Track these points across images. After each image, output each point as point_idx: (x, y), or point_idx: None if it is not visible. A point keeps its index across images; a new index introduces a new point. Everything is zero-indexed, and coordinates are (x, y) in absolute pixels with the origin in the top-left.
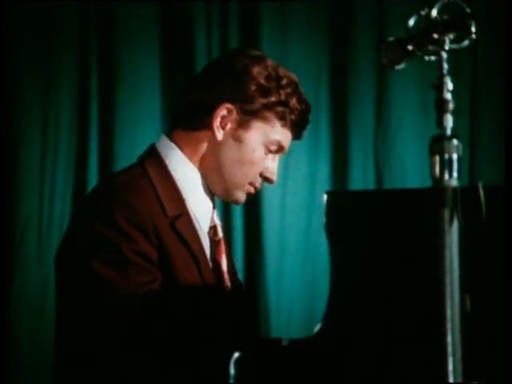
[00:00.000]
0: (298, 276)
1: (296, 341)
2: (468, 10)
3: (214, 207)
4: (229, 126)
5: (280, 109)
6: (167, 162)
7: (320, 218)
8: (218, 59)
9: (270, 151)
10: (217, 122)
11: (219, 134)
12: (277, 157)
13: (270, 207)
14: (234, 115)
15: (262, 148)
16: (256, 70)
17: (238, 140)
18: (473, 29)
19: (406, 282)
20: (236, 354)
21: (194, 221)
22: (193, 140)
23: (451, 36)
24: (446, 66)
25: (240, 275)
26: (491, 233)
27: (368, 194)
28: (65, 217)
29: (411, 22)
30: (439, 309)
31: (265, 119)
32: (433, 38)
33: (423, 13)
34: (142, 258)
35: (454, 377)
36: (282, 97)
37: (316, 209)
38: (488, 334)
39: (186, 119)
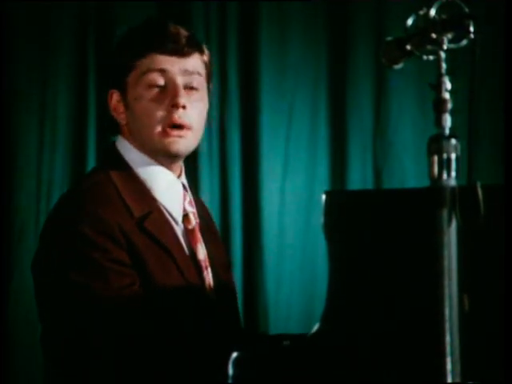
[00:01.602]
0: (296, 276)
1: (294, 339)
2: (466, 10)
3: (186, 190)
4: (120, 106)
5: (131, 51)
6: (128, 160)
7: (319, 218)
8: None
9: (153, 83)
10: (113, 112)
11: (121, 119)
12: (177, 81)
13: (268, 207)
14: (117, 94)
15: (145, 90)
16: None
17: (127, 106)
18: (471, 28)
19: (405, 282)
20: (234, 354)
21: (166, 214)
22: (129, 134)
23: (449, 35)
24: (444, 65)
25: (239, 275)
26: (489, 232)
27: (366, 194)
28: None
29: (409, 22)
30: (437, 309)
31: (129, 69)
32: (431, 38)
33: (421, 12)
34: (116, 263)
35: (453, 377)
36: (130, 44)
37: (315, 209)
38: (486, 334)
39: (112, 125)
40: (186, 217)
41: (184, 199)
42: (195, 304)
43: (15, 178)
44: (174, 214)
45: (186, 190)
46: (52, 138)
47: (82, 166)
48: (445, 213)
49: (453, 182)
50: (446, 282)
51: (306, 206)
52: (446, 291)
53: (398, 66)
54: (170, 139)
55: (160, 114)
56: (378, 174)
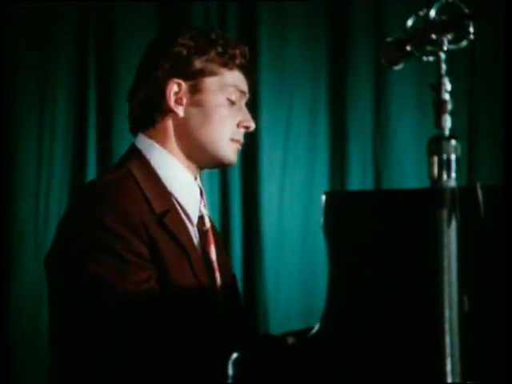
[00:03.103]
0: (296, 276)
1: (296, 339)
2: (466, 11)
3: (202, 195)
4: (184, 98)
5: (219, 57)
6: (149, 158)
7: (318, 219)
8: (144, 53)
9: (234, 102)
10: (172, 101)
11: (179, 111)
12: (243, 104)
13: (268, 208)
14: (184, 85)
15: (225, 100)
16: (181, 38)
17: (199, 105)
18: (471, 29)
19: (405, 283)
20: (234, 355)
21: (183, 214)
22: (163, 130)
23: (449, 36)
24: (444, 66)
25: (238, 275)
26: (489, 233)
27: (366, 195)
28: None
29: (409, 23)
30: (437, 309)
31: (212, 73)
32: (431, 39)
33: (421, 13)
34: (137, 256)
35: (453, 377)
36: (218, 49)
37: (314, 209)
38: (486, 334)
39: (148, 116)
40: (201, 219)
41: (200, 202)
42: (205, 305)
43: (14, 181)
44: (191, 215)
45: (202, 194)
46: (51, 140)
47: (81, 167)
48: (445, 213)
49: (453, 183)
50: (446, 283)
51: (305, 206)
52: (446, 291)
53: (398, 67)
54: (234, 150)
55: (232, 127)
56: (377, 174)
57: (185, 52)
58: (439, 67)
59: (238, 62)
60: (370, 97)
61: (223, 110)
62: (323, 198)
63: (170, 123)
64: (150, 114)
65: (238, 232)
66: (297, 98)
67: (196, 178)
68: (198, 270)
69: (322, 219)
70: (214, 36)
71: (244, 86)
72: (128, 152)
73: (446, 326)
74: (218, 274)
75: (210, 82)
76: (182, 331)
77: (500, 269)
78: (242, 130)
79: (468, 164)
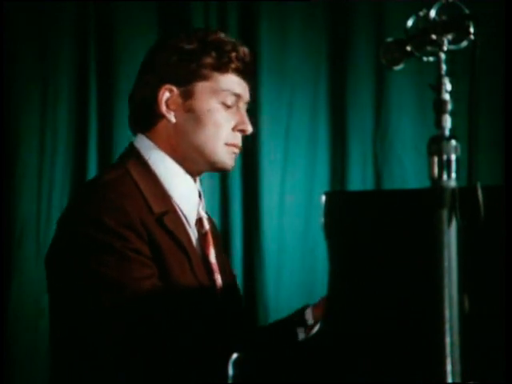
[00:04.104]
0: (296, 277)
1: (294, 341)
2: (466, 11)
3: (200, 198)
4: (175, 104)
5: (212, 62)
6: (147, 159)
7: (318, 219)
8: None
9: (229, 105)
10: (163, 107)
11: (171, 117)
12: (241, 107)
13: (268, 207)
14: (175, 91)
15: (218, 105)
16: (172, 42)
17: (190, 110)
18: (471, 29)
19: (405, 283)
20: (234, 355)
21: (181, 216)
22: (159, 134)
23: (450, 37)
24: (444, 66)
25: (239, 275)
26: (489, 233)
27: (367, 195)
28: None
29: (410, 23)
30: (437, 309)
31: (203, 77)
32: (431, 39)
33: (422, 13)
34: (137, 253)
35: (453, 377)
36: (212, 53)
37: (314, 209)
38: (486, 334)
39: (144, 120)
40: (199, 221)
41: (199, 204)
42: (205, 305)
43: (16, 181)
44: (189, 217)
45: (200, 197)
46: (53, 141)
47: (83, 167)
48: (445, 214)
49: (453, 183)
50: (446, 283)
51: (305, 206)
52: (446, 291)
53: (398, 67)
54: (229, 154)
55: (227, 131)
56: (377, 174)
57: (177, 57)
58: (439, 67)
59: (233, 65)
60: (371, 97)
61: (216, 114)
62: (323, 197)
63: (165, 127)
64: (145, 117)
65: (238, 232)
66: (297, 98)
67: (195, 181)
68: (197, 270)
69: (322, 219)
70: (209, 39)
71: (240, 90)
72: (127, 151)
73: (446, 326)
74: (217, 276)
75: (201, 87)
76: (182, 329)
77: (500, 269)
78: (239, 134)
79: (468, 164)
